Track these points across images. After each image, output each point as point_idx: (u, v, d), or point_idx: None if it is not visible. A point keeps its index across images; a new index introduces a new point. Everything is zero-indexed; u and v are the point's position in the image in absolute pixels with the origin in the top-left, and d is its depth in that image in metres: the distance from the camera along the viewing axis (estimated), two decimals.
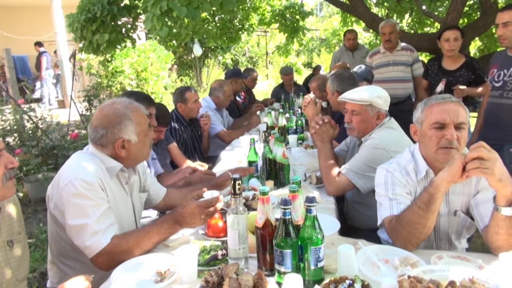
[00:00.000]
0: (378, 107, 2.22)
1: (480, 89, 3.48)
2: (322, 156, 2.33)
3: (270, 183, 2.33)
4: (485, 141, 1.39)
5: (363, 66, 4.92)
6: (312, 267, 1.30)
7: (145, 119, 1.77)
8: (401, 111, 3.90)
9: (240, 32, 7.49)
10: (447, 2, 6.37)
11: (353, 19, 7.52)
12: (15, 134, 4.84)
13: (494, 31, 3.23)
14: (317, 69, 8.37)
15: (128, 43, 5.38)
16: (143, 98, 2.51)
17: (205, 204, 1.59)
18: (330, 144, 2.39)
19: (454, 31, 3.57)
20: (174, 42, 10.55)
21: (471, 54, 5.57)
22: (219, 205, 1.62)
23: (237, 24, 7.37)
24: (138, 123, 1.72)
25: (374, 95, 2.21)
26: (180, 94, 3.63)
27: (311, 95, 3.11)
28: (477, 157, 1.32)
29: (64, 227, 1.60)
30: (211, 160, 3.78)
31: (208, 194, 1.76)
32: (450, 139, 1.53)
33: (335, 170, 2.22)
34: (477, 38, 5.96)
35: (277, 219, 1.37)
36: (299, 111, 3.76)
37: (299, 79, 10.72)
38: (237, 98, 5.54)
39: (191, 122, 3.78)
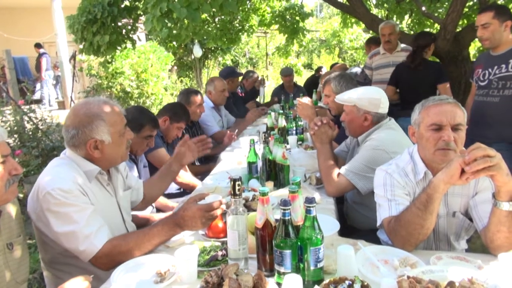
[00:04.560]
0: (363, 108, 2.23)
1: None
2: (321, 157, 2.34)
3: (270, 184, 2.34)
4: (474, 139, 1.39)
5: (353, 69, 4.95)
6: (312, 268, 1.30)
7: (121, 119, 1.72)
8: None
9: (240, 33, 7.50)
10: (446, 3, 6.38)
11: (353, 20, 7.53)
12: (15, 135, 4.85)
13: None
14: (319, 70, 8.37)
15: (129, 44, 5.38)
16: (151, 119, 2.55)
17: (207, 208, 1.57)
18: (329, 145, 2.39)
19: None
20: (174, 43, 10.55)
21: (471, 55, 5.57)
22: (220, 211, 1.60)
23: (237, 25, 7.38)
24: (112, 123, 1.66)
25: (360, 97, 2.23)
26: (186, 96, 3.63)
27: (304, 99, 3.09)
28: (483, 156, 1.30)
29: (50, 236, 1.59)
30: (211, 160, 3.79)
31: (211, 198, 1.76)
32: (447, 140, 1.54)
33: (335, 171, 2.22)
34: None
35: (276, 220, 1.37)
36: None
37: (299, 80, 10.73)
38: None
39: (192, 124, 3.79)
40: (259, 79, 6.15)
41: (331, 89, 2.86)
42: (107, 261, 1.53)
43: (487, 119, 2.92)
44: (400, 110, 3.70)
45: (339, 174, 2.20)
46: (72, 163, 1.65)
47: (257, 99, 6.02)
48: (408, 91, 3.93)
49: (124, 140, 1.75)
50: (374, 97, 2.23)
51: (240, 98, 5.61)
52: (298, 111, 2.87)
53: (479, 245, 2.53)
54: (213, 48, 13.50)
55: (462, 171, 1.36)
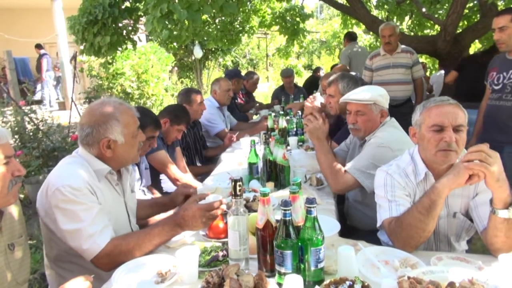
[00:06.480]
0: (381, 105, 2.25)
1: None
2: (321, 153, 2.28)
3: (270, 185, 2.34)
4: (486, 142, 1.40)
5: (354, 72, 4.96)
6: (312, 268, 1.30)
7: (134, 121, 1.75)
8: (401, 113, 3.89)
9: (240, 34, 7.52)
10: (447, 4, 6.39)
11: (354, 21, 7.55)
12: (16, 136, 4.86)
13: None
14: (317, 71, 8.38)
15: (129, 45, 5.40)
16: (153, 120, 2.54)
17: (207, 207, 1.57)
18: (327, 141, 2.37)
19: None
20: (174, 44, 10.57)
21: None
22: (222, 207, 1.61)
23: (238, 26, 7.40)
24: (126, 124, 1.69)
25: (376, 94, 2.24)
26: (186, 95, 3.62)
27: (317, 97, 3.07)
28: (478, 151, 1.34)
29: (57, 233, 1.60)
30: (212, 161, 3.79)
31: (211, 198, 1.76)
32: (449, 141, 1.54)
33: (338, 165, 2.21)
34: (477, 40, 5.99)
35: (277, 220, 1.37)
36: (299, 113, 3.77)
37: (300, 81, 10.74)
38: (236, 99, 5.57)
39: (194, 124, 3.78)
40: (256, 105, 6.17)
41: (338, 90, 2.81)
42: (108, 261, 1.54)
43: (499, 124, 2.90)
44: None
45: (345, 171, 2.18)
46: (83, 161, 1.67)
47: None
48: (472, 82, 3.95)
49: (136, 142, 1.77)
50: (385, 93, 2.27)
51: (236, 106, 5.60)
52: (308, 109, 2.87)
53: (480, 246, 2.54)
54: (213, 49, 13.53)
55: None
